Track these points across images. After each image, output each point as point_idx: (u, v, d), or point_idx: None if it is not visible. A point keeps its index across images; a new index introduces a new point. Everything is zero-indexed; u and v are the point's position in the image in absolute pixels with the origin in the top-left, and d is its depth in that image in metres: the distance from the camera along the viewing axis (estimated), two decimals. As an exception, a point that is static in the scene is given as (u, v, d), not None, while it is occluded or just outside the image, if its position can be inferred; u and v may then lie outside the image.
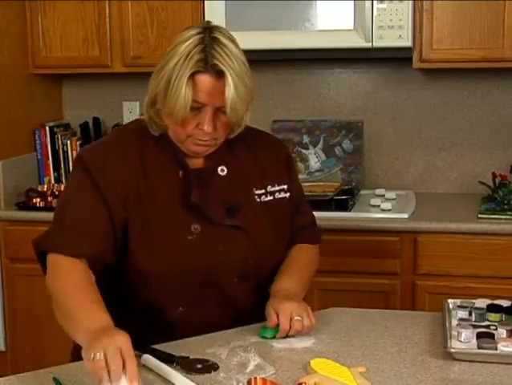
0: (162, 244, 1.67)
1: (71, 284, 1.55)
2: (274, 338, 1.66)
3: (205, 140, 1.68)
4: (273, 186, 1.81)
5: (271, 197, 1.80)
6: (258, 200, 1.78)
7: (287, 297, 1.69)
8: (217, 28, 1.66)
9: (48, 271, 1.62)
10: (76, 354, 1.67)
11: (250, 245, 1.73)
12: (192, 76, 1.58)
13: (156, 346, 1.60)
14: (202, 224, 1.70)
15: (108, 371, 1.30)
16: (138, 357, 1.47)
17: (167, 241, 1.68)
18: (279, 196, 1.82)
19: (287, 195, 1.83)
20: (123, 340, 1.35)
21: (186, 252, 1.68)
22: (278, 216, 1.81)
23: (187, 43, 1.60)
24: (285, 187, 1.83)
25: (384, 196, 3.18)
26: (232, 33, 1.69)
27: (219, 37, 1.62)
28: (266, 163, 1.83)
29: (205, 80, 1.59)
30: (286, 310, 1.65)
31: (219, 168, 1.76)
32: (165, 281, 1.68)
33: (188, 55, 1.58)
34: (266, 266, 1.79)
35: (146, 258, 1.67)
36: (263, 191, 1.80)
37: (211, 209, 1.71)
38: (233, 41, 1.65)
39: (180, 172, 1.72)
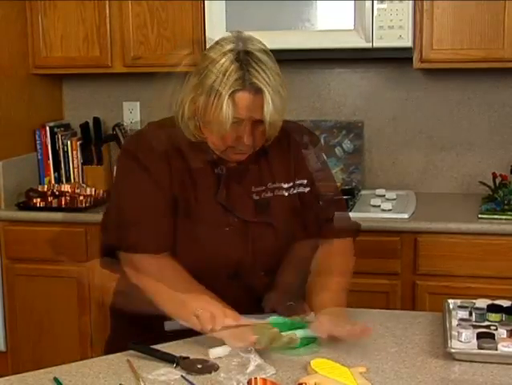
0: (203, 233, 1.72)
1: (178, 278, 1.68)
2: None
3: (245, 150, 1.72)
4: (298, 179, 1.84)
5: (297, 190, 1.83)
6: (286, 194, 1.81)
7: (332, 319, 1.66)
8: (249, 40, 1.67)
9: (133, 269, 1.72)
10: (111, 345, 1.79)
11: (277, 241, 1.77)
12: (231, 95, 1.61)
13: (157, 346, 1.60)
14: (237, 218, 1.75)
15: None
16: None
17: (207, 231, 1.72)
18: (302, 190, 1.84)
19: (306, 190, 1.84)
20: (231, 312, 1.59)
21: (223, 242, 1.73)
22: (303, 210, 1.83)
23: (222, 60, 1.62)
24: (304, 181, 1.85)
25: (384, 196, 3.18)
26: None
27: (253, 51, 1.64)
28: (294, 155, 1.85)
29: (244, 97, 1.62)
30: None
31: (250, 165, 1.79)
32: (197, 272, 1.70)
33: (225, 74, 1.61)
34: None
35: (185, 247, 1.72)
36: (291, 184, 1.83)
37: (240, 207, 1.75)
38: (266, 52, 1.68)
39: (214, 169, 1.76)
